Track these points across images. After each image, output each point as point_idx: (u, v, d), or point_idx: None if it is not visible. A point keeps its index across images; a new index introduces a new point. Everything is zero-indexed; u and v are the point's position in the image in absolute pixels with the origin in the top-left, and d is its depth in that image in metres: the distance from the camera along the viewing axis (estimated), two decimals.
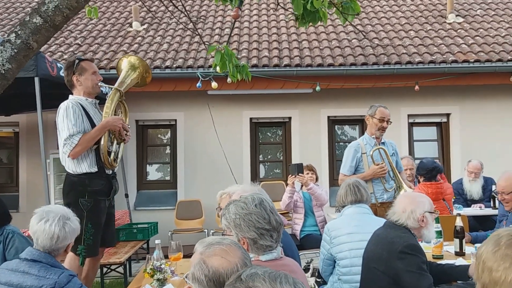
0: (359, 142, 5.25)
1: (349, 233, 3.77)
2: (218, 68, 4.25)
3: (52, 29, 2.63)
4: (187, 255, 3.92)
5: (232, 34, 6.22)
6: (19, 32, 2.55)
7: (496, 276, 1.78)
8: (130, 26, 10.68)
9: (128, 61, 4.60)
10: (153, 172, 9.63)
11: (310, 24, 3.88)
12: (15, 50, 2.53)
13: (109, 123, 4.18)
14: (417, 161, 7.34)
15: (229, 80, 7.53)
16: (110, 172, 4.34)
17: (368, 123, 5.25)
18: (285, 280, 1.38)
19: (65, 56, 9.10)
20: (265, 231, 2.32)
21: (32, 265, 2.66)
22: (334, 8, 3.94)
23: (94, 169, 4.17)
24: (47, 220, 2.72)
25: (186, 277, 1.94)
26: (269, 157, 9.75)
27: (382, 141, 5.25)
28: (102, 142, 4.17)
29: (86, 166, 4.15)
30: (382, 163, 5.01)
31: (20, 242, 3.84)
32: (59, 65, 6.21)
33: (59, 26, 2.66)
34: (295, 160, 8.95)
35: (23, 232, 4.16)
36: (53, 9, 2.55)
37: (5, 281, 2.61)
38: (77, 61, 4.29)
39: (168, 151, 9.62)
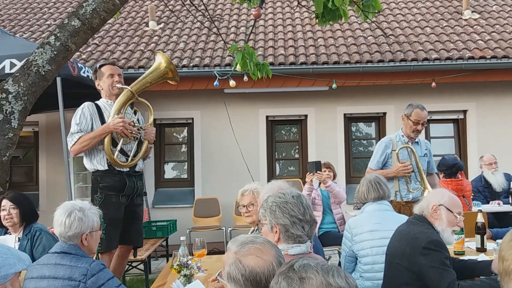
0: (391, 138, 5.16)
1: (370, 231, 3.78)
2: (238, 67, 4.29)
3: (89, 31, 2.70)
4: (208, 253, 3.97)
5: (249, 33, 6.26)
6: (58, 34, 2.61)
7: (506, 265, 1.80)
8: (147, 25, 10.76)
9: (156, 60, 4.65)
10: (170, 171, 9.71)
11: (331, 22, 3.90)
12: (55, 52, 2.60)
13: (109, 127, 4.24)
14: (435, 158, 7.33)
15: (245, 78, 7.64)
16: (126, 169, 4.40)
17: (403, 122, 5.10)
18: (337, 274, 1.39)
19: (83, 56, 9.20)
20: (298, 220, 2.39)
21: (64, 257, 2.75)
22: (354, 6, 3.96)
23: (104, 167, 4.32)
24: (59, 210, 2.89)
25: (218, 275, 1.97)
26: (284, 154, 9.79)
27: (416, 140, 5.13)
28: (105, 141, 4.26)
29: (96, 163, 4.33)
30: (407, 162, 4.93)
31: (47, 240, 3.92)
32: (79, 65, 6.30)
33: (96, 28, 2.73)
34: (311, 158, 8.97)
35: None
36: (90, 12, 2.61)
37: (37, 275, 2.69)
38: (97, 67, 4.44)
39: (184, 149, 9.69)
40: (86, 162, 4.39)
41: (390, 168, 5.04)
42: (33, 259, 3.41)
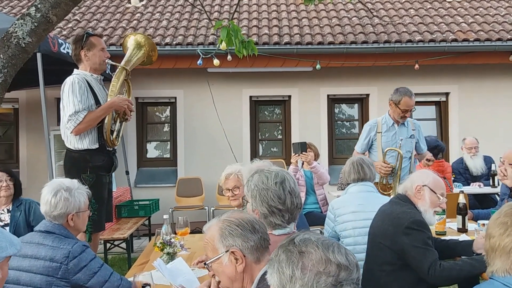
0: (377, 121, 5.18)
1: (353, 212, 3.80)
2: (224, 44, 4.22)
3: (71, 3, 2.63)
4: (190, 232, 3.97)
5: (233, 12, 6.18)
6: (39, 6, 2.54)
7: (492, 242, 1.89)
8: (129, 2, 10.60)
9: (134, 39, 4.52)
10: (153, 150, 9.65)
11: (317, 2, 3.86)
12: (35, 24, 2.52)
13: (115, 104, 4.15)
14: None
15: (229, 57, 7.58)
16: (111, 148, 4.34)
17: (391, 108, 5.06)
18: (338, 250, 1.38)
19: (64, 32, 9.04)
20: (277, 210, 2.30)
21: (46, 236, 2.72)
22: None
23: (95, 146, 4.16)
24: (46, 188, 2.85)
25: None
26: (267, 135, 9.77)
27: (403, 122, 5.11)
28: (106, 121, 4.16)
29: (87, 143, 4.13)
30: (391, 164, 4.87)
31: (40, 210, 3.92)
32: (60, 41, 6.18)
33: (78, 0, 2.66)
34: (294, 139, 8.97)
35: None
36: None
37: (20, 253, 2.66)
38: (86, 35, 4.18)
39: (167, 128, 9.62)
40: (74, 141, 4.11)
41: (375, 151, 5.08)
42: (31, 230, 3.36)
